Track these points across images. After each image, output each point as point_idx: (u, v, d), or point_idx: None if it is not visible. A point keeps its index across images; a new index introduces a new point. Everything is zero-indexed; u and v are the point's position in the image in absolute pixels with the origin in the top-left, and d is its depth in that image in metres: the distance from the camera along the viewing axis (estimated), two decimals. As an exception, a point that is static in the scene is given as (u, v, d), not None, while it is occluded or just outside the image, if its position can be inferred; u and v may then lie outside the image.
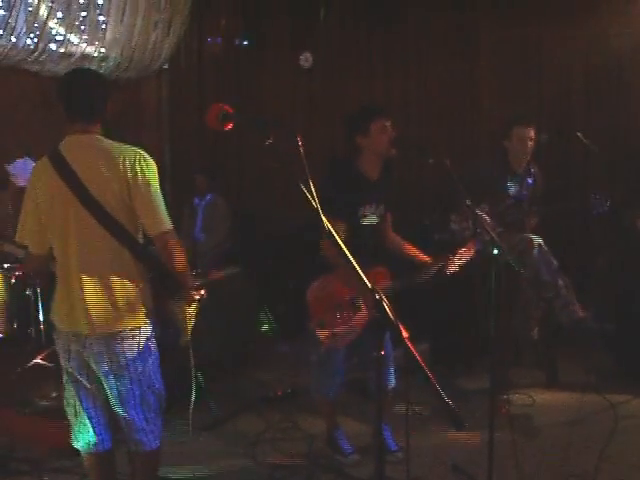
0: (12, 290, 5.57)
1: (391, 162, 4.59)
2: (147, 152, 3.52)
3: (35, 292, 5.53)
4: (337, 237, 2.62)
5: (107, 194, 3.36)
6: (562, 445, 4.74)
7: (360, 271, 2.56)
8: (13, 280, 5.55)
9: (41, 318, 5.51)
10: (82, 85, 3.53)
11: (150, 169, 3.42)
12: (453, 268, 4.46)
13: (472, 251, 4.48)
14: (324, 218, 2.62)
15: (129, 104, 7.59)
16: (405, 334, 2.52)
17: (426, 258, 4.60)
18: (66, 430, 3.74)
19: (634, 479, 4.38)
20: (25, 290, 5.55)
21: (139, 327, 3.46)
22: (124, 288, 3.42)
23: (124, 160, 3.38)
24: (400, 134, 4.45)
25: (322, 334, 4.46)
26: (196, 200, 7.54)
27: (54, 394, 5.07)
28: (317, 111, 7.99)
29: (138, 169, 3.38)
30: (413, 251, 4.69)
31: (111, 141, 3.49)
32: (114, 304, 3.40)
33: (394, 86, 7.86)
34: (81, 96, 3.50)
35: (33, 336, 5.57)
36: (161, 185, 3.49)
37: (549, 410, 5.52)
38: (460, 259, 4.46)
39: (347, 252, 2.59)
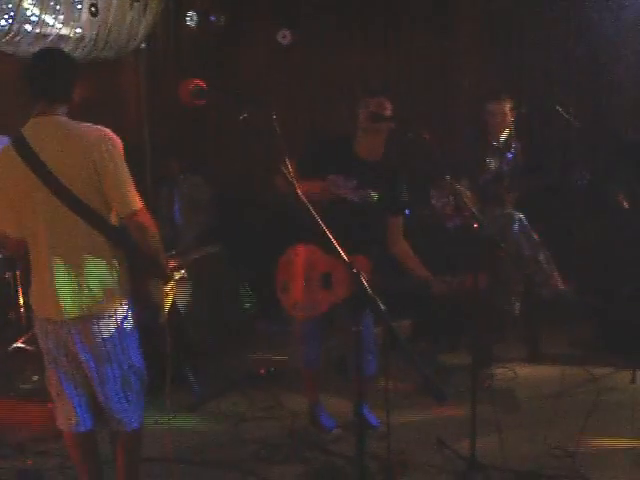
0: (-9, 274, 5.54)
1: (396, 168, 4.58)
2: (127, 133, 3.49)
3: (14, 276, 5.49)
4: (314, 212, 2.61)
5: (74, 177, 3.31)
6: (544, 418, 4.78)
7: (336, 243, 2.55)
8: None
9: (21, 302, 5.48)
10: (45, 65, 3.47)
11: (116, 148, 3.37)
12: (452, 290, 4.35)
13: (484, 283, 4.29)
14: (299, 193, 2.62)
15: (107, 85, 7.51)
16: (382, 308, 2.52)
17: (427, 275, 4.42)
18: (48, 413, 3.73)
19: (616, 451, 4.41)
20: (4, 274, 5.52)
21: (115, 309, 3.44)
22: (98, 272, 3.39)
23: (89, 141, 3.32)
24: (378, 109, 4.41)
25: (284, 299, 4.45)
26: (170, 184, 7.42)
27: (35, 378, 5.05)
28: (296, 88, 7.95)
29: (104, 149, 3.33)
30: (416, 266, 4.50)
31: (75, 122, 3.42)
32: (88, 288, 3.37)
33: (373, 62, 7.82)
34: (43, 75, 3.44)
35: (13, 320, 5.55)
36: (141, 166, 3.46)
37: (531, 384, 5.55)
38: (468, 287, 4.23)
39: (321, 223, 2.58)
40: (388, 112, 4.39)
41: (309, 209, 2.61)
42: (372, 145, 4.49)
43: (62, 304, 3.38)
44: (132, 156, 3.50)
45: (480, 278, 4.11)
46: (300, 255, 4.44)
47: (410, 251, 4.59)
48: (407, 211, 4.84)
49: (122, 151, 3.40)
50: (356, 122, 4.46)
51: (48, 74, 3.45)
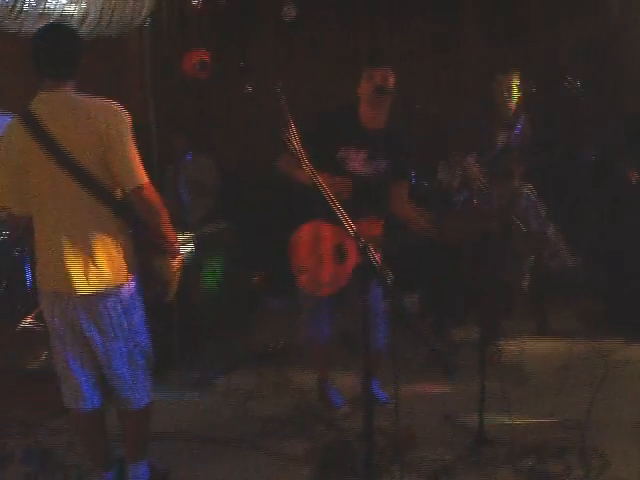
0: (-1, 251, 5.54)
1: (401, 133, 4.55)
2: (131, 111, 3.45)
3: (23, 253, 5.49)
4: (321, 185, 2.59)
5: (82, 151, 3.30)
6: (553, 392, 4.77)
7: (345, 217, 2.53)
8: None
9: (29, 279, 5.48)
10: (52, 40, 3.44)
11: (123, 121, 3.36)
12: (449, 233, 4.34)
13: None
14: (307, 166, 2.60)
15: (112, 63, 7.48)
16: (390, 279, 2.51)
17: (426, 223, 4.42)
18: (57, 391, 3.73)
19: (624, 425, 4.40)
20: (13, 251, 5.52)
21: (122, 284, 3.44)
22: (105, 246, 3.38)
23: (96, 114, 3.31)
24: (384, 84, 4.39)
25: (302, 280, 4.44)
26: (176, 163, 7.39)
27: (44, 355, 5.06)
28: (300, 63, 7.91)
29: (111, 122, 3.32)
30: (422, 217, 4.47)
31: (82, 96, 3.42)
32: (95, 263, 3.37)
33: (378, 35, 7.78)
34: (49, 50, 3.41)
35: (22, 297, 5.55)
36: (147, 145, 3.43)
37: (539, 358, 5.54)
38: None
39: (331, 197, 2.57)
40: (391, 84, 4.39)
41: (316, 182, 2.59)
42: (376, 115, 4.47)
43: (68, 279, 3.37)
44: (137, 134, 3.48)
45: (489, 220, 4.13)
46: (311, 232, 4.42)
47: (415, 209, 4.57)
48: (413, 177, 4.81)
49: (129, 124, 3.38)
50: (360, 93, 4.45)
51: (54, 49, 3.42)
